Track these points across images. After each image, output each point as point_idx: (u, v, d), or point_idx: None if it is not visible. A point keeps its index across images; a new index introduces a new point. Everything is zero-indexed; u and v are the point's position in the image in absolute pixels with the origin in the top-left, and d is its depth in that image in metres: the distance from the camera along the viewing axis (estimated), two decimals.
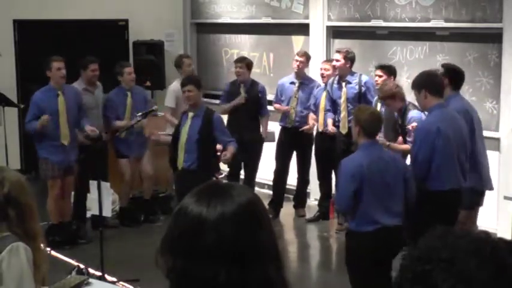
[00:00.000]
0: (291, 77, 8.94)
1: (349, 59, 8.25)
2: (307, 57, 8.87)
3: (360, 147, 5.52)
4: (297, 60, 8.80)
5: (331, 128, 8.31)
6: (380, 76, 7.67)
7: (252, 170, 9.04)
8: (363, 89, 8.18)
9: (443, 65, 6.87)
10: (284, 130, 8.99)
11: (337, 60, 8.24)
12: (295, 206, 9.19)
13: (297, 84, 8.83)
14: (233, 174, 9.00)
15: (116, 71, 8.58)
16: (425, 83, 5.95)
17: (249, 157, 8.84)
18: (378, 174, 5.33)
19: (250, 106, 8.85)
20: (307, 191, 9.51)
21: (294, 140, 8.86)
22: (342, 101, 8.24)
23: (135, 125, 8.25)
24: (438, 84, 6.02)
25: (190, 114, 7.31)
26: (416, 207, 5.78)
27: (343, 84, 8.26)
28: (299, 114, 8.81)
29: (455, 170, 5.86)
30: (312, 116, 8.70)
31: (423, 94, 5.90)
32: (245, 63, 8.95)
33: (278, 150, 9.07)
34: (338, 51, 8.35)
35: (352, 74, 8.29)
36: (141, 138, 8.75)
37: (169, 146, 7.63)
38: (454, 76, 6.59)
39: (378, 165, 5.35)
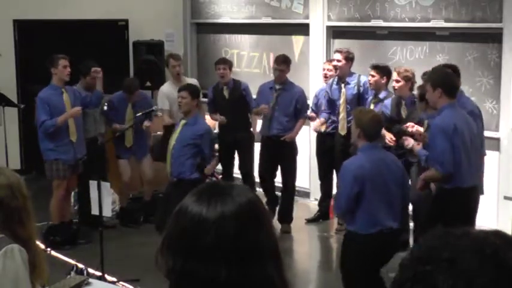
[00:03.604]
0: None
1: (350, 59, 8.18)
2: (230, 65, 8.81)
3: (361, 150, 5.50)
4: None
5: (316, 126, 8.33)
6: (373, 76, 7.65)
7: (248, 167, 8.92)
8: (361, 89, 8.08)
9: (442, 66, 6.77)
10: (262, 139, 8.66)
11: (338, 61, 8.13)
12: (279, 221, 8.48)
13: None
14: (227, 174, 8.94)
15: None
16: (443, 82, 5.79)
17: (243, 155, 8.83)
18: (380, 176, 5.33)
19: (237, 106, 8.71)
20: (308, 191, 9.50)
21: (276, 150, 8.42)
22: (341, 102, 8.15)
23: (135, 125, 8.24)
24: (456, 86, 5.92)
25: (182, 121, 7.21)
26: (435, 205, 5.78)
27: (342, 85, 8.18)
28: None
29: (472, 167, 5.84)
30: (312, 115, 8.72)
31: (438, 92, 5.74)
32: (228, 64, 8.82)
33: (261, 161, 8.69)
34: (339, 51, 8.21)
35: (351, 74, 8.18)
36: (142, 139, 8.73)
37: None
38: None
39: (379, 167, 5.35)
